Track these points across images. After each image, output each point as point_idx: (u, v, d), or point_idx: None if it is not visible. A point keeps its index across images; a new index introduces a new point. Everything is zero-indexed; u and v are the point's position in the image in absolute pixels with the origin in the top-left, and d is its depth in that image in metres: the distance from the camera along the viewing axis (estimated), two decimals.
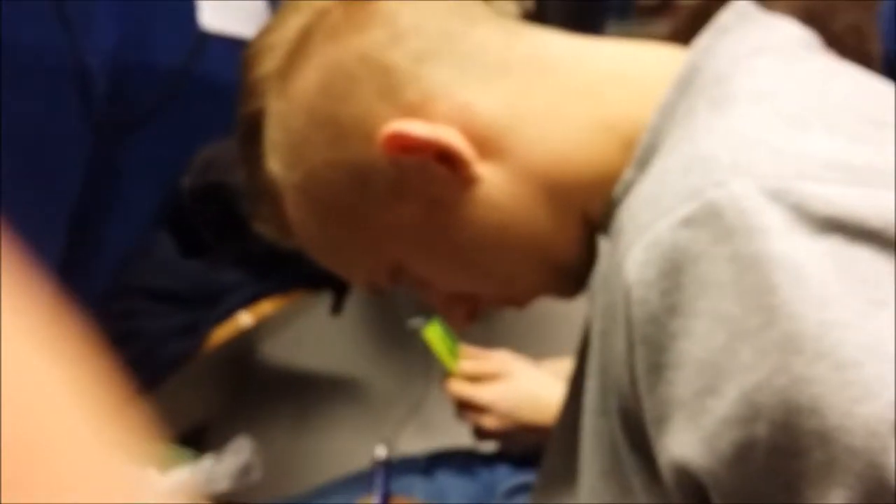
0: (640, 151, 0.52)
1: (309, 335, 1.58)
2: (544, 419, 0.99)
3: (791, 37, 0.56)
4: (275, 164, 0.59)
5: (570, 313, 1.57)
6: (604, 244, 0.55)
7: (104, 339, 0.84)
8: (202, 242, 1.12)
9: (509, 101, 0.56)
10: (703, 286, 0.40)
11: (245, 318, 1.09)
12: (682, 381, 0.40)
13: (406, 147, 0.54)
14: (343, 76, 0.56)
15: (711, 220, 0.40)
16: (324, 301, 1.33)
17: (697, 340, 0.40)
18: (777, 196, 0.40)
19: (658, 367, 0.42)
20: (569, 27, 0.65)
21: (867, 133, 0.44)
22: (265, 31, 0.60)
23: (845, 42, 1.07)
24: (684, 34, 1.09)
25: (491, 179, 0.56)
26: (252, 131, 0.59)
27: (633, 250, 0.43)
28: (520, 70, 0.56)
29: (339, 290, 1.30)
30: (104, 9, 0.94)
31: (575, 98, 0.56)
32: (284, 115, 0.58)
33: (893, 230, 0.39)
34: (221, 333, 1.06)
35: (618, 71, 0.56)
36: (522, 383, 1.00)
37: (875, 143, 0.43)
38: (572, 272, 0.60)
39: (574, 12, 1.90)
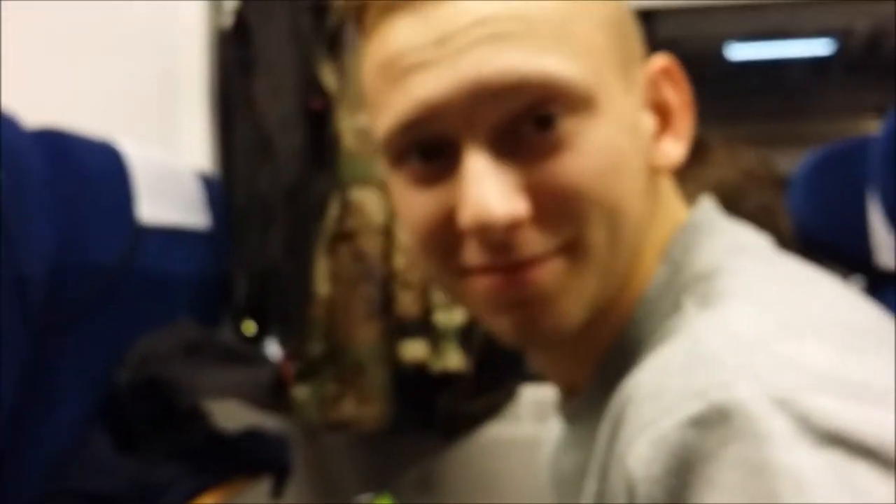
0: (619, 345, 0.55)
1: None
2: None
3: (757, 239, 0.59)
4: None
5: (514, 481, 1.56)
6: (578, 434, 0.57)
7: None
8: (139, 437, 1.10)
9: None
10: (710, 487, 0.41)
11: None
12: None
13: (663, 80, 0.58)
14: (627, 19, 0.57)
15: (719, 422, 0.42)
16: (264, 484, 1.31)
17: None
18: (782, 405, 0.41)
19: None
20: None
21: (851, 342, 0.46)
22: None
23: (757, 220, 1.14)
24: None
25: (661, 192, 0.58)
26: None
27: (637, 446, 0.44)
28: None
29: (279, 473, 1.28)
30: (41, 213, 0.95)
31: (670, 209, 0.60)
32: None
33: (891, 451, 0.40)
34: None
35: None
36: None
37: (859, 353, 0.45)
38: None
39: None
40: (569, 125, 0.51)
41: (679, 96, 0.58)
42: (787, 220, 1.15)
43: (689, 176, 1.14)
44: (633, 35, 0.58)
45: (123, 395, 1.09)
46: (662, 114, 0.58)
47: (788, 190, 1.28)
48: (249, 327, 1.47)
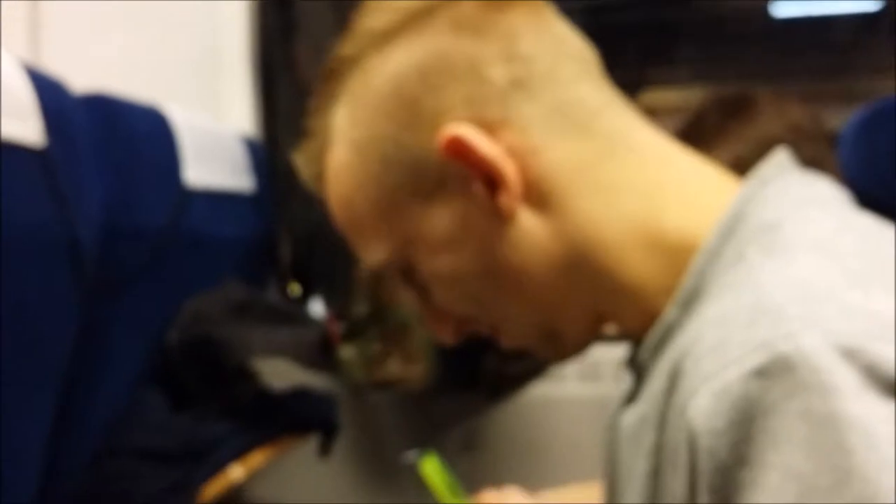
0: (682, 294, 0.54)
1: (297, 478, 1.56)
2: None
3: (831, 191, 0.58)
4: (343, 112, 0.60)
5: (559, 440, 1.57)
6: (641, 386, 0.57)
7: (95, 503, 0.83)
8: (191, 396, 1.13)
9: (576, 164, 0.57)
10: (775, 439, 0.41)
11: (236, 472, 1.08)
12: None
13: (461, 154, 0.56)
14: (444, 69, 0.57)
15: (783, 373, 0.41)
16: (311, 442, 1.33)
17: (767, 494, 0.41)
18: (849, 355, 0.41)
19: None
20: None
21: None
22: None
23: None
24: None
25: (525, 224, 0.57)
26: (337, 72, 0.61)
27: (699, 398, 0.44)
28: (599, 139, 0.58)
29: (327, 431, 1.30)
30: (91, 176, 0.97)
31: (637, 192, 0.57)
32: (374, 73, 0.59)
33: None
34: (212, 489, 1.06)
35: (680, 183, 0.58)
36: None
37: None
38: (564, 345, 0.62)
39: None
40: (414, 275, 0.61)
41: (476, 156, 0.56)
42: (836, 176, 1.13)
43: (736, 133, 1.12)
44: (419, 145, 0.58)
45: (174, 355, 1.11)
46: (480, 176, 0.57)
47: (837, 146, 1.25)
48: (295, 289, 1.49)
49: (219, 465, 1.07)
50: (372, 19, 0.60)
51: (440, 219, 0.58)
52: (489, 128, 0.57)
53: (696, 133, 1.13)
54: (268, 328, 1.20)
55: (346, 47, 0.61)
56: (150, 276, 1.09)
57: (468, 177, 0.57)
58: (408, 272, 0.62)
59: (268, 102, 1.57)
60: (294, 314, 1.33)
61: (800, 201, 0.54)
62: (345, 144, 0.60)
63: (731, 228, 0.54)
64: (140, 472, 1.01)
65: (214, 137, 1.30)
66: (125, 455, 1.02)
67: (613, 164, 0.57)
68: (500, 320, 0.62)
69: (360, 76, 0.59)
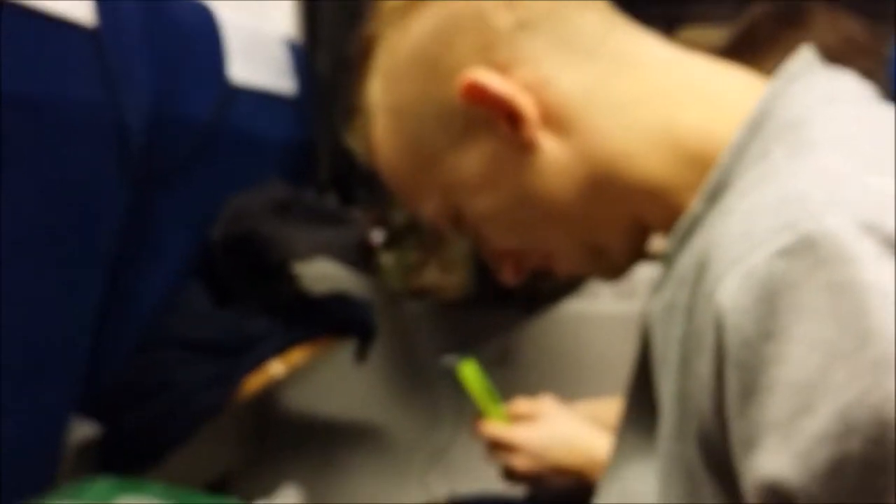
0: (708, 187, 0.56)
1: (333, 381, 1.58)
2: (576, 462, 0.99)
3: (856, 87, 0.59)
4: (376, 85, 0.66)
5: (593, 357, 1.57)
6: (667, 274, 0.57)
7: (138, 390, 0.84)
8: (233, 292, 1.13)
9: (588, 87, 0.61)
10: (799, 313, 0.42)
11: (277, 367, 1.10)
12: (777, 404, 0.42)
13: (480, 97, 0.60)
14: (454, 26, 0.63)
15: (807, 250, 0.42)
16: (347, 348, 1.34)
17: (793, 364, 0.42)
18: (870, 228, 0.42)
19: (751, 391, 0.43)
20: None
21: None
22: None
23: None
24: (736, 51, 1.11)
25: (549, 151, 0.61)
26: (366, 51, 0.67)
27: (726, 280, 0.45)
28: (607, 60, 0.61)
29: (364, 336, 1.31)
30: (139, 62, 0.96)
31: (651, 101, 0.60)
32: (396, 45, 0.65)
33: None
34: (253, 383, 1.07)
35: (699, 88, 0.60)
36: (555, 425, 1.01)
37: None
38: (613, 261, 0.65)
39: None
40: (464, 221, 0.66)
41: (493, 96, 0.60)
42: (888, 91, 1.10)
43: (789, 42, 1.09)
44: (443, 97, 0.62)
45: (217, 250, 1.12)
46: (501, 114, 0.61)
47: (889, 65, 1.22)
48: (332, 195, 1.49)
49: (260, 360, 1.08)
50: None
51: (473, 161, 0.63)
52: (502, 69, 0.61)
53: (749, 42, 1.11)
54: (309, 227, 1.21)
55: (371, 27, 0.67)
56: (195, 170, 1.09)
57: (491, 117, 0.61)
58: (458, 219, 0.66)
59: (309, 7, 1.55)
60: (335, 215, 1.33)
61: (824, 98, 0.55)
62: (382, 112, 0.66)
63: (758, 124, 0.55)
64: (184, 361, 1.02)
65: (258, 37, 1.29)
66: (170, 345, 1.03)
67: (624, 80, 0.61)
68: (548, 248, 0.65)
69: (386, 51, 0.65)
